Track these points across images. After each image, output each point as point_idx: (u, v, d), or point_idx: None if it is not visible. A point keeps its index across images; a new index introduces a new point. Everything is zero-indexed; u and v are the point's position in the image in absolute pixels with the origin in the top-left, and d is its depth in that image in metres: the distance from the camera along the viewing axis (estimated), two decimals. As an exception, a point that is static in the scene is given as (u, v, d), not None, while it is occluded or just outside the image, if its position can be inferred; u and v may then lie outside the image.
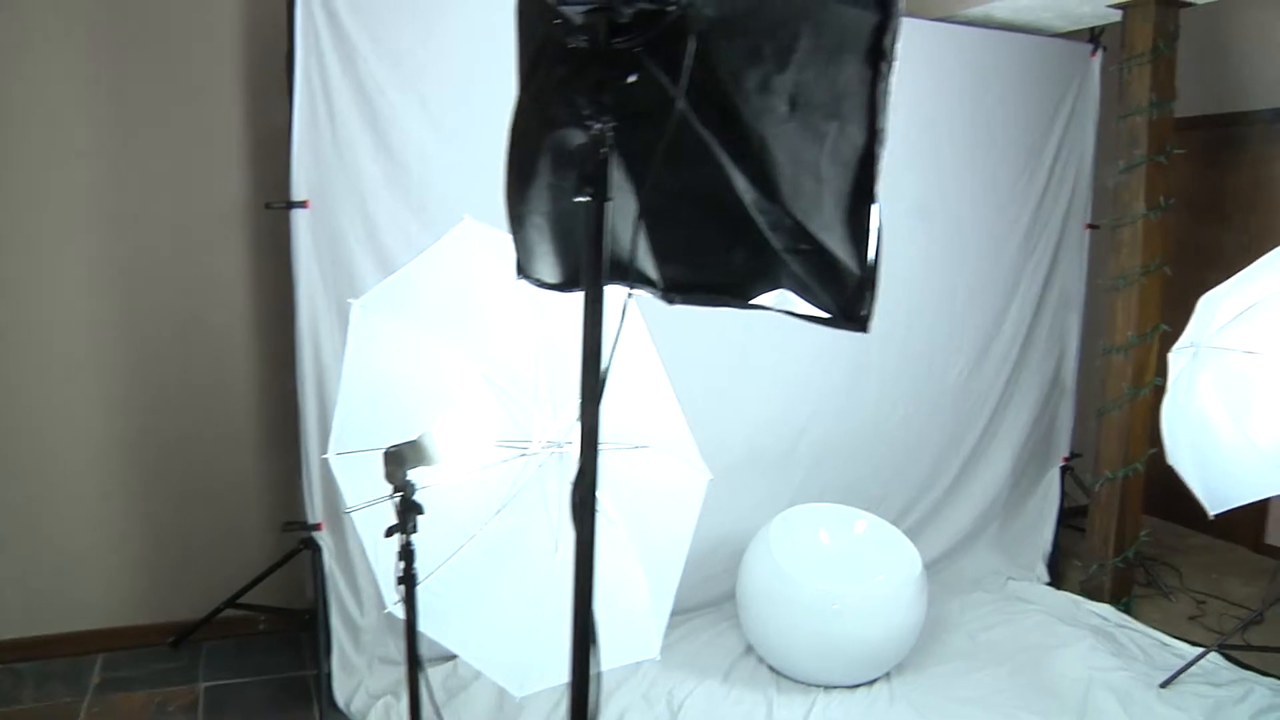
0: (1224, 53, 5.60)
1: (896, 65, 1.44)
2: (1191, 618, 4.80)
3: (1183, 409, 3.88)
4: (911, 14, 4.54)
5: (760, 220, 1.53)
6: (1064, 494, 5.31)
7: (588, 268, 1.49)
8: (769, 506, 4.25)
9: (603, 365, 1.53)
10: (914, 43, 4.47)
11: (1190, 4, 4.46)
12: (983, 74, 4.75)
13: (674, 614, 4.26)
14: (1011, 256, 4.95)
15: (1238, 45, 5.51)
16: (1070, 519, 5.35)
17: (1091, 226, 5.18)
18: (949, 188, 4.73)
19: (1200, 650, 4.05)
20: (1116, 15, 4.62)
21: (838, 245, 1.53)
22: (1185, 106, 4.89)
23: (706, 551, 4.27)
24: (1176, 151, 4.57)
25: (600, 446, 2.49)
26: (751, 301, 1.65)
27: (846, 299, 1.57)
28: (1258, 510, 5.42)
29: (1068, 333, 5.24)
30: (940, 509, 4.99)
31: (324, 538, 3.76)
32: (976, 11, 4.71)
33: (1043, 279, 5.07)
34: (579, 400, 1.54)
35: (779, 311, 1.65)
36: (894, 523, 4.59)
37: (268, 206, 3.73)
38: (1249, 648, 4.15)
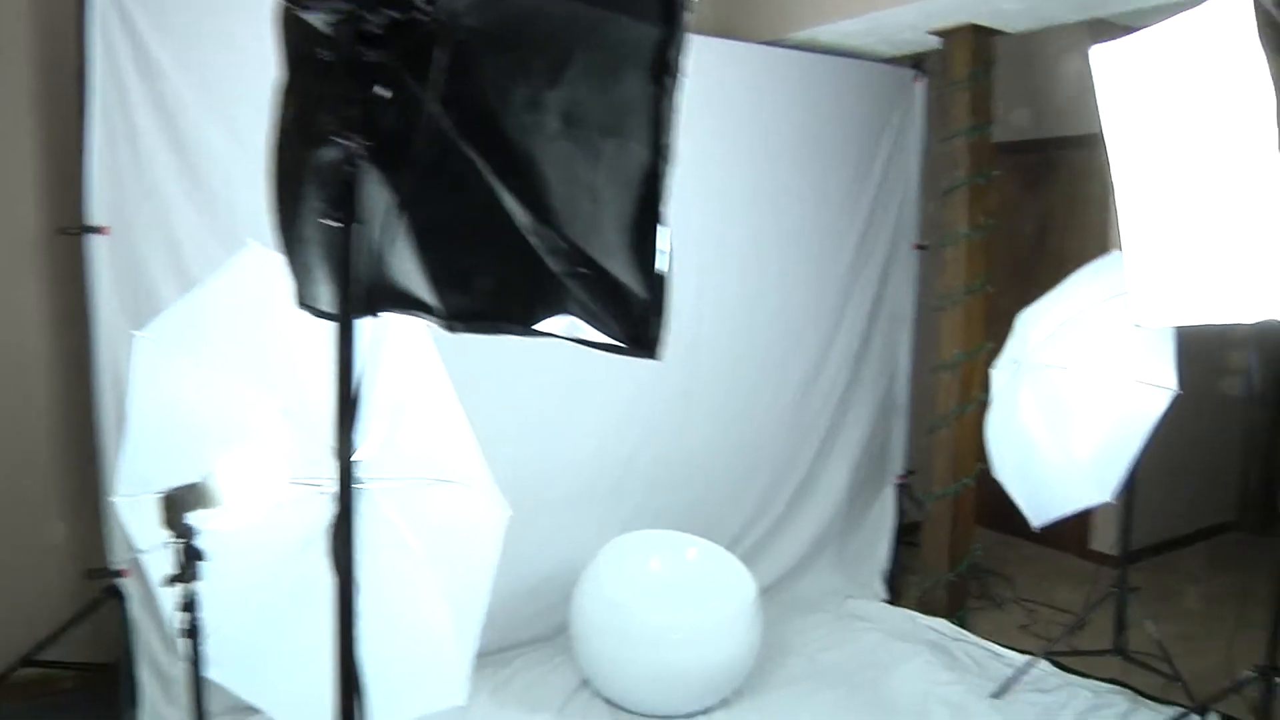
0: (1039, 80, 5.81)
1: (683, 81, 1.39)
2: (1022, 626, 4.91)
3: (1005, 424, 3.97)
4: (739, 37, 4.58)
5: (535, 243, 1.45)
6: (901, 511, 5.38)
7: (336, 296, 1.39)
8: (602, 535, 4.17)
9: (366, 394, 1.43)
10: (742, 65, 4.54)
11: (1005, 33, 4.59)
12: (810, 97, 4.81)
13: (507, 649, 4.22)
14: (841, 277, 5.01)
15: (1052, 73, 5.72)
16: (907, 535, 5.42)
17: (919, 247, 5.29)
18: (779, 209, 4.76)
19: (1029, 659, 4.13)
20: (937, 42, 4.74)
21: (621, 269, 1.47)
22: (1005, 132, 5.05)
23: (539, 583, 4.20)
24: (995, 174, 4.70)
25: (401, 480, 2.41)
26: (537, 328, 1.57)
27: (634, 325, 1.51)
28: (1082, 518, 5.57)
29: (898, 351, 5.33)
30: (777, 530, 4.99)
31: (129, 584, 3.53)
32: (803, 35, 4.76)
33: (872, 299, 5.14)
34: (336, 438, 1.43)
35: (568, 340, 1.59)
36: (731, 546, 4.58)
37: (61, 232, 3.50)
38: (1074, 653, 4.26)
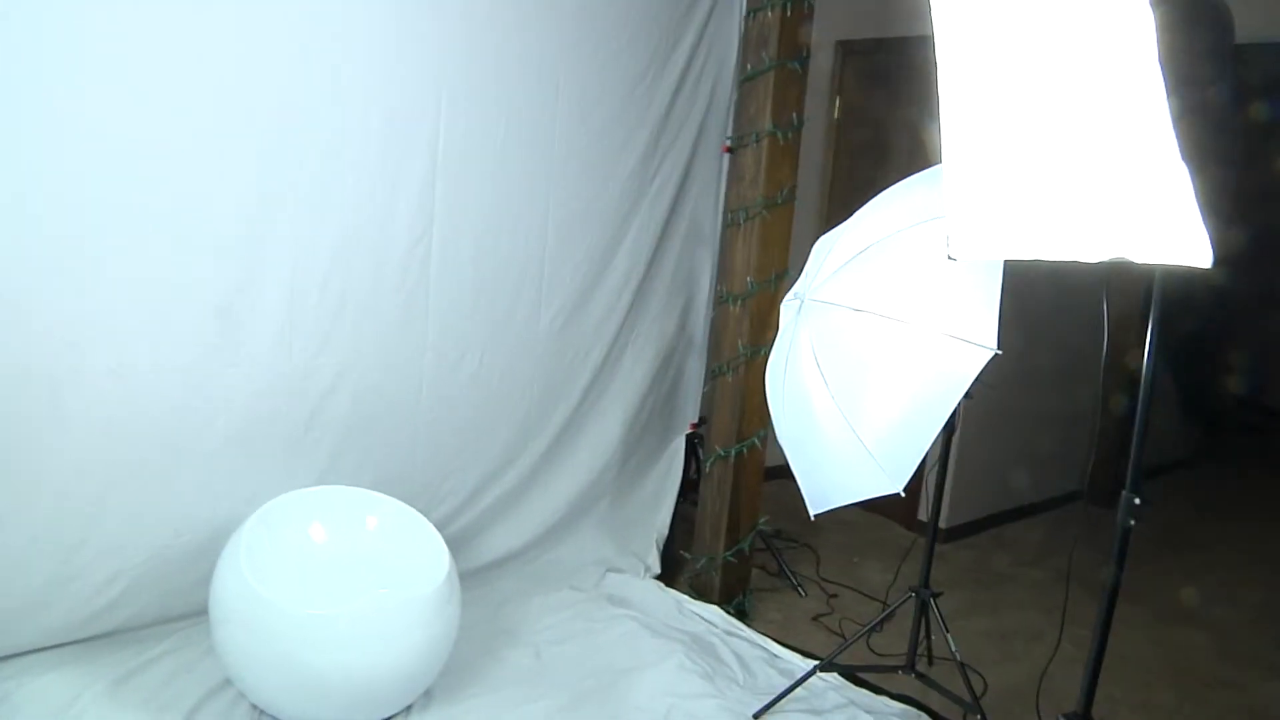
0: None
1: None
2: (816, 616, 4.08)
3: (781, 377, 3.06)
4: None
5: None
6: (695, 467, 4.47)
7: None
8: (283, 489, 3.17)
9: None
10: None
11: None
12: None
13: (150, 626, 3.20)
14: (624, 180, 3.94)
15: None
16: (696, 493, 4.53)
17: (731, 150, 4.26)
18: (545, 93, 3.66)
19: (808, 667, 3.31)
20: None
21: None
22: (852, 29, 4.12)
23: (196, 547, 3.22)
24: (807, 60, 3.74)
25: None
26: None
27: None
28: (911, 482, 4.79)
29: (697, 275, 4.32)
30: (532, 484, 4.00)
31: None
32: None
33: (667, 209, 4.09)
34: None
35: None
36: (466, 504, 3.75)
37: None
38: (863, 668, 3.46)
